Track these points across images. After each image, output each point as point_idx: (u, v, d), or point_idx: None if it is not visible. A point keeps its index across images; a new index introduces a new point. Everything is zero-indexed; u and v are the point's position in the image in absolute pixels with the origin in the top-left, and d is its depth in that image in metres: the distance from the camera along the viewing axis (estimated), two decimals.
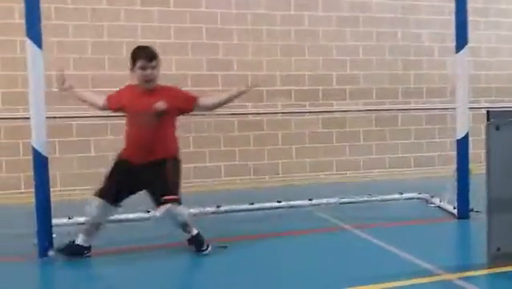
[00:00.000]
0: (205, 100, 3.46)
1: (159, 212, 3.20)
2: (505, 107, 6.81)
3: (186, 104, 3.39)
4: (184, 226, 3.32)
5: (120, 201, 3.33)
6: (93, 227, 3.31)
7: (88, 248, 3.31)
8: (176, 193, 3.23)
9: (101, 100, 3.49)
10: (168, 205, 3.16)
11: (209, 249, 3.33)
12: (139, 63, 3.24)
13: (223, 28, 6.20)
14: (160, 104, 3.23)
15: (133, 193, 3.34)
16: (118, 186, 3.26)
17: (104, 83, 5.87)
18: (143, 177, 3.24)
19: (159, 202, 3.20)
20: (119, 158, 3.36)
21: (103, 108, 3.50)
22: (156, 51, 3.31)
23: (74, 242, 3.29)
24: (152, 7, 6.00)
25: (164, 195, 3.17)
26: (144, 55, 3.25)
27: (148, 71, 3.24)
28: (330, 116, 6.61)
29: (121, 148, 3.40)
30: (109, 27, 5.89)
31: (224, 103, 3.53)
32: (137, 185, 3.29)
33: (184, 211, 3.29)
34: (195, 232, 3.36)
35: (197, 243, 3.33)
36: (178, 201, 3.23)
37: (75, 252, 3.25)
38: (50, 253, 3.25)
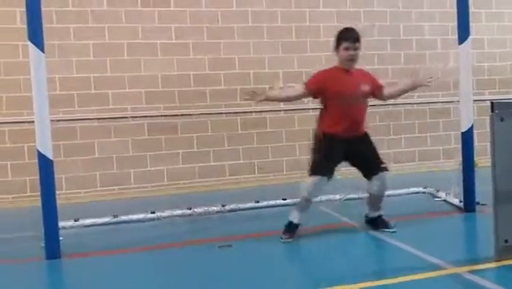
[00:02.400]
0: (386, 90, 3.74)
1: (379, 178, 3.54)
2: (509, 98, 6.76)
3: (379, 88, 3.71)
4: (382, 199, 3.67)
5: (333, 174, 3.54)
6: (308, 203, 3.56)
7: (299, 225, 3.56)
8: (385, 162, 3.64)
9: (298, 91, 3.64)
10: (385, 173, 3.57)
11: (395, 228, 3.58)
12: (344, 44, 3.49)
13: (224, 27, 6.19)
14: (365, 86, 3.56)
15: (340, 162, 3.59)
16: (331, 160, 3.50)
17: (107, 85, 5.89)
18: (353, 149, 3.52)
19: (374, 171, 3.54)
20: (325, 134, 3.55)
21: (304, 96, 3.66)
22: (358, 33, 3.55)
23: (291, 222, 3.54)
24: (152, 8, 5.99)
25: (379, 162, 3.58)
26: (349, 37, 3.51)
27: (352, 52, 3.49)
28: None
29: (322, 126, 3.60)
30: (110, 29, 5.89)
31: (401, 94, 3.82)
32: (347, 156, 3.56)
33: None
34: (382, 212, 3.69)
35: (382, 222, 3.64)
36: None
37: (293, 230, 3.52)
38: (283, 240, 3.45)
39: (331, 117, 3.56)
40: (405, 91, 3.79)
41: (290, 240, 3.46)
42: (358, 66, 3.65)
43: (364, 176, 3.63)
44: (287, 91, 3.77)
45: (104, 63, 5.88)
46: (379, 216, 3.70)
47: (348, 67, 3.56)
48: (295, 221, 3.55)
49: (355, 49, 3.52)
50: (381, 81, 3.81)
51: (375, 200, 3.68)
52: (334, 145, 3.49)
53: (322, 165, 3.48)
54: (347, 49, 3.50)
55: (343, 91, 3.50)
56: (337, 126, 3.51)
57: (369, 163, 3.58)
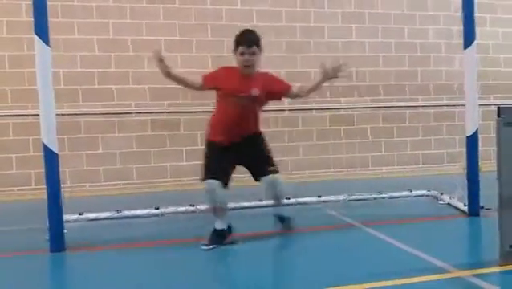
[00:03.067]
0: (298, 89, 3.61)
1: (266, 181, 3.46)
2: None
3: (283, 92, 3.58)
4: (282, 197, 3.63)
5: (227, 177, 3.41)
6: (217, 210, 3.41)
7: (229, 229, 3.46)
8: (274, 162, 3.53)
9: (196, 81, 3.50)
10: (279, 176, 3.50)
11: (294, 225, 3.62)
12: (240, 49, 3.32)
13: (228, 25, 6.19)
14: (255, 91, 3.39)
15: (233, 166, 3.47)
16: (220, 164, 3.36)
17: (111, 80, 5.89)
18: (241, 151, 3.42)
19: (263, 173, 3.46)
20: (212, 140, 3.47)
21: (199, 88, 3.52)
22: (257, 37, 3.38)
23: (215, 229, 3.40)
24: (157, 4, 5.99)
25: (268, 166, 3.47)
26: (245, 41, 3.33)
27: (247, 57, 3.32)
28: (337, 113, 6.59)
29: (210, 129, 3.51)
30: (115, 25, 5.88)
31: (314, 90, 3.68)
32: (238, 159, 3.45)
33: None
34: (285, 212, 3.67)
35: (284, 219, 3.65)
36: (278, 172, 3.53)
37: (220, 237, 3.38)
38: (204, 248, 3.29)
39: (220, 119, 3.45)
40: (317, 86, 3.63)
41: (208, 248, 3.30)
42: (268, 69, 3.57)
43: (254, 179, 3.54)
44: (186, 76, 3.56)
45: (109, 59, 5.88)
46: (285, 216, 3.72)
47: (246, 73, 3.37)
48: (218, 227, 3.40)
49: (252, 54, 3.31)
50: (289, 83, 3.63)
51: (274, 201, 3.68)
52: (216, 151, 3.40)
53: (210, 170, 3.35)
54: (242, 54, 3.31)
55: (235, 94, 3.36)
56: (224, 127, 3.42)
57: (256, 165, 3.48)
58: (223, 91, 3.43)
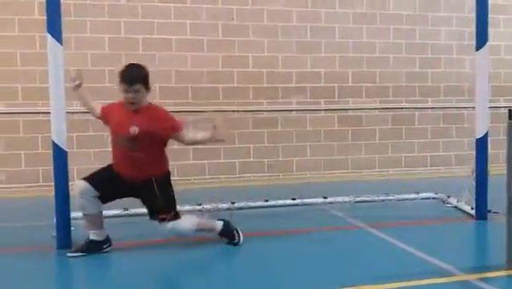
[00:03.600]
0: (184, 135, 3.29)
1: (164, 229, 3.25)
2: None
3: (164, 133, 3.23)
4: (200, 232, 3.37)
5: (107, 201, 3.30)
6: (87, 217, 3.27)
7: (105, 241, 3.31)
8: (169, 210, 3.24)
9: (98, 109, 3.44)
10: (170, 224, 3.22)
11: (241, 240, 3.40)
12: (122, 86, 3.15)
13: (239, 24, 6.20)
14: (134, 129, 3.12)
15: (121, 198, 3.36)
16: (107, 185, 3.22)
17: None
18: (133, 191, 3.28)
19: (156, 219, 3.27)
20: (112, 167, 3.31)
21: (98, 117, 3.45)
22: (140, 74, 3.19)
23: (89, 239, 3.29)
24: (168, 3, 6.02)
25: (159, 213, 3.23)
26: (125, 79, 3.14)
27: (130, 95, 3.13)
28: (345, 113, 6.56)
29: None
30: (126, 23, 5.93)
31: (196, 144, 3.51)
32: (127, 194, 3.33)
33: (187, 224, 3.28)
34: (219, 228, 3.41)
35: (227, 236, 3.42)
36: (175, 216, 3.25)
37: (93, 248, 3.26)
38: (69, 255, 3.21)
39: (113, 154, 3.30)
40: (201, 142, 3.42)
41: (77, 254, 3.20)
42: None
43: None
44: (91, 101, 3.48)
45: (119, 57, 5.92)
46: (221, 232, 3.44)
47: (131, 109, 3.18)
48: (93, 237, 3.27)
49: (135, 92, 3.11)
50: (183, 124, 3.33)
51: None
52: (112, 170, 3.26)
53: (89, 175, 3.26)
54: (125, 91, 3.13)
55: (115, 130, 3.24)
56: (114, 162, 3.28)
57: (149, 209, 3.31)
58: (110, 129, 3.32)
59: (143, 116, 3.18)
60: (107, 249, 3.31)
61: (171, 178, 3.40)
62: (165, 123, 3.24)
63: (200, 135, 3.35)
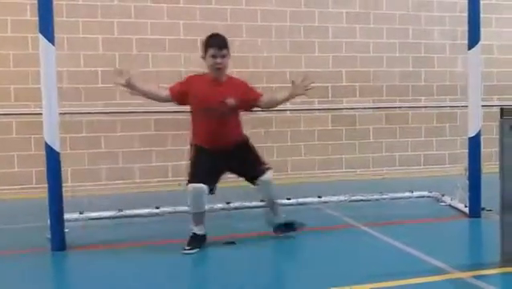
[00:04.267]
0: (264, 99, 3.52)
1: (262, 183, 3.41)
2: None
3: (252, 99, 3.48)
4: (275, 196, 3.54)
5: (213, 182, 3.36)
6: (197, 215, 3.36)
7: (204, 235, 3.38)
8: (264, 161, 3.49)
9: (163, 92, 3.46)
10: (269, 173, 3.45)
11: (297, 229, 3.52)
12: (210, 51, 3.30)
13: (233, 24, 6.19)
14: (230, 98, 3.34)
15: (219, 170, 3.41)
16: (204, 169, 3.29)
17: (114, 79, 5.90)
18: (228, 159, 3.37)
19: (255, 175, 3.41)
20: (194, 144, 3.42)
21: (166, 100, 3.49)
22: (226, 40, 3.38)
23: (194, 233, 3.34)
24: (161, 4, 6.00)
25: (258, 167, 3.43)
26: (215, 43, 3.31)
27: (219, 60, 3.30)
28: (339, 113, 6.58)
29: (191, 135, 3.46)
30: (119, 24, 5.90)
31: (280, 103, 3.64)
32: (226, 168, 3.42)
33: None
34: (282, 217, 3.56)
35: (289, 225, 3.54)
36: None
37: (197, 241, 3.31)
38: (185, 252, 3.23)
39: (196, 127, 3.41)
40: (283, 101, 3.59)
41: (193, 251, 3.25)
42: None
43: (249, 182, 3.51)
44: (152, 86, 3.55)
45: (113, 58, 5.90)
46: (285, 222, 3.57)
47: (216, 76, 3.35)
48: (198, 232, 3.36)
49: (223, 56, 3.31)
50: (260, 90, 3.60)
51: (269, 204, 3.58)
52: (203, 154, 3.33)
53: (194, 175, 3.29)
54: (213, 56, 3.29)
55: (206, 103, 3.31)
56: (202, 138, 3.38)
57: (248, 169, 3.45)
58: (195, 104, 3.36)
59: (230, 85, 3.40)
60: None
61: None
62: (251, 90, 3.51)
63: (279, 95, 3.60)
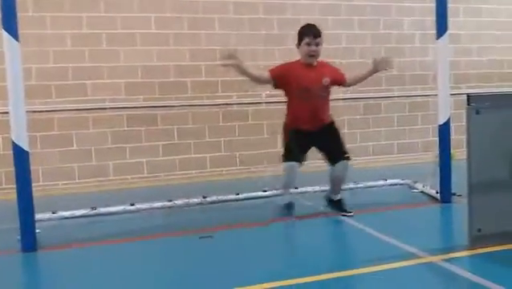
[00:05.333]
0: (348, 78, 3.91)
1: (340, 166, 3.77)
2: (485, 93, 6.90)
3: (341, 80, 3.87)
4: (344, 181, 3.93)
5: (303, 159, 3.74)
6: (286, 187, 3.85)
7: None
8: (348, 152, 3.85)
9: (263, 74, 3.73)
10: (349, 162, 3.80)
11: (353, 214, 3.82)
12: (305, 40, 3.62)
13: (204, 17, 6.14)
14: (326, 80, 3.70)
15: (309, 148, 3.79)
16: (297, 148, 3.67)
17: (85, 75, 5.78)
18: (317, 138, 3.75)
19: (337, 159, 3.76)
20: (289, 126, 3.77)
21: (267, 82, 3.74)
22: (320, 29, 3.70)
23: (286, 204, 3.82)
24: None
25: (342, 154, 3.79)
26: (311, 32, 3.63)
27: (313, 47, 3.62)
28: None
29: (287, 118, 3.82)
30: (88, 18, 5.77)
31: (362, 81, 4.02)
32: (313, 144, 3.78)
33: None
34: (340, 196, 3.95)
35: (341, 206, 3.90)
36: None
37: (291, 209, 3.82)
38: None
39: (293, 110, 3.76)
40: (367, 76, 3.95)
41: (294, 218, 3.75)
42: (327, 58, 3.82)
43: (328, 161, 3.86)
44: (253, 69, 3.83)
45: (82, 53, 5.77)
46: (340, 199, 3.95)
47: (310, 62, 3.69)
48: (290, 201, 3.87)
49: (317, 44, 3.64)
50: (342, 71, 3.96)
51: (336, 183, 3.90)
52: (298, 136, 3.69)
53: (289, 153, 3.68)
54: (308, 44, 3.63)
55: (305, 86, 3.65)
56: (299, 119, 3.71)
57: (332, 152, 3.80)
58: (294, 86, 3.64)
59: (322, 69, 3.76)
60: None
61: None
62: (339, 72, 3.89)
63: (360, 74, 3.97)
